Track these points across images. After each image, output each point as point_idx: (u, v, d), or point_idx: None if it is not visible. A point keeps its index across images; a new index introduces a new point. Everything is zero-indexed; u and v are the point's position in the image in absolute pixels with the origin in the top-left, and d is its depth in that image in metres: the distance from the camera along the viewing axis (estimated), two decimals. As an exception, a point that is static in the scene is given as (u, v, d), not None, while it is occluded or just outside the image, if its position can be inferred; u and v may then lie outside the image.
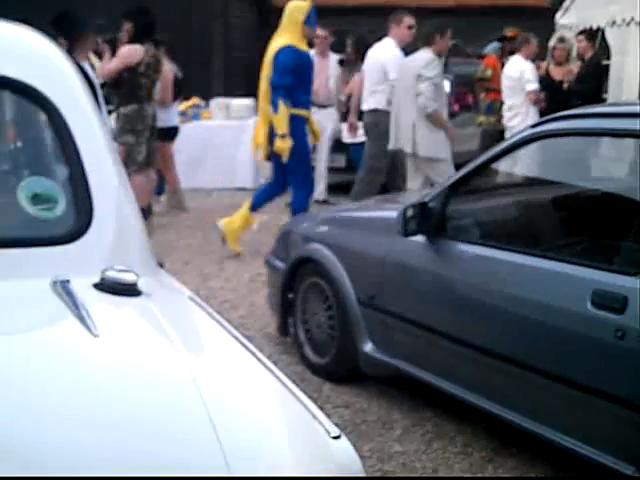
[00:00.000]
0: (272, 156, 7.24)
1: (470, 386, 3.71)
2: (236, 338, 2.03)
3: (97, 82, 6.89)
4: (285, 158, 6.90)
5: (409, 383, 4.22)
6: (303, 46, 7.12)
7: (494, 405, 3.57)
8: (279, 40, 7.01)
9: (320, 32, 9.99)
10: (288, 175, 7.26)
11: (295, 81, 6.89)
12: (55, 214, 2.17)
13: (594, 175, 4.31)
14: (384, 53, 8.27)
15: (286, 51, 6.89)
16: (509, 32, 10.16)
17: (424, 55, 7.36)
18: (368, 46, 9.57)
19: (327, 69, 10.01)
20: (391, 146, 7.75)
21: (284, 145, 6.90)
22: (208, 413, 1.58)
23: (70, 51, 6.61)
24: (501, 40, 10.29)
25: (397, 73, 7.74)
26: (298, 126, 7.07)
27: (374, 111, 8.33)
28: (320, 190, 10.22)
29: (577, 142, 3.84)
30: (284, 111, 6.84)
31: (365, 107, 8.51)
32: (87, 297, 1.94)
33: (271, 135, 7.03)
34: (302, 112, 7.07)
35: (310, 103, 7.40)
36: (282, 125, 6.87)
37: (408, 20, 8.25)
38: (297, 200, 7.27)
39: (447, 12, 21.49)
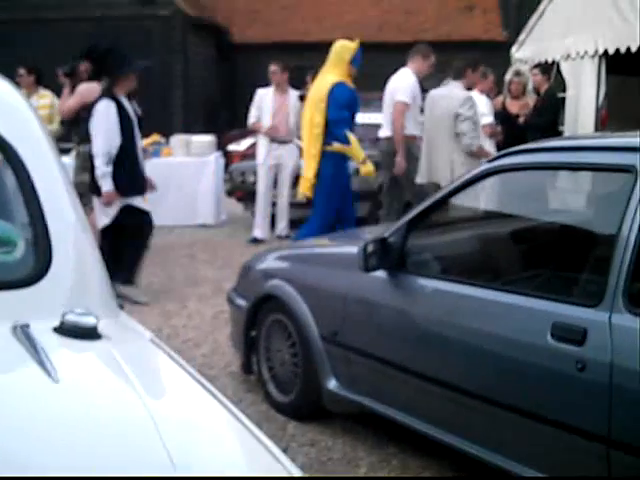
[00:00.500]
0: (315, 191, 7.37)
1: (434, 421, 3.72)
2: (197, 380, 2.02)
3: (135, 118, 6.98)
4: (373, 179, 7.22)
5: (374, 419, 4.21)
6: (350, 83, 7.33)
7: (459, 440, 3.57)
8: (329, 77, 7.23)
9: (271, 67, 10.08)
10: (314, 207, 7.43)
11: (348, 116, 7.18)
12: (14, 257, 2.15)
13: (551, 208, 4.37)
14: (398, 80, 8.42)
15: (340, 87, 7.14)
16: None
17: (458, 92, 7.54)
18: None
19: (286, 105, 10.07)
20: (422, 180, 7.81)
21: (369, 168, 7.24)
22: (169, 457, 1.57)
23: (111, 87, 6.71)
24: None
25: (427, 108, 7.90)
26: (339, 161, 7.25)
27: (391, 139, 8.41)
28: (282, 226, 10.25)
29: (533, 176, 3.89)
30: (354, 140, 7.12)
31: (382, 134, 8.60)
32: (47, 341, 1.93)
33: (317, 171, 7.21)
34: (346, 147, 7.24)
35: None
36: (358, 153, 7.18)
37: (433, 58, 8.53)
38: (306, 230, 7.37)
39: (405, 47, 21.80)
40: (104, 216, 6.80)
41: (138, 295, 6.96)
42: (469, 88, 7.76)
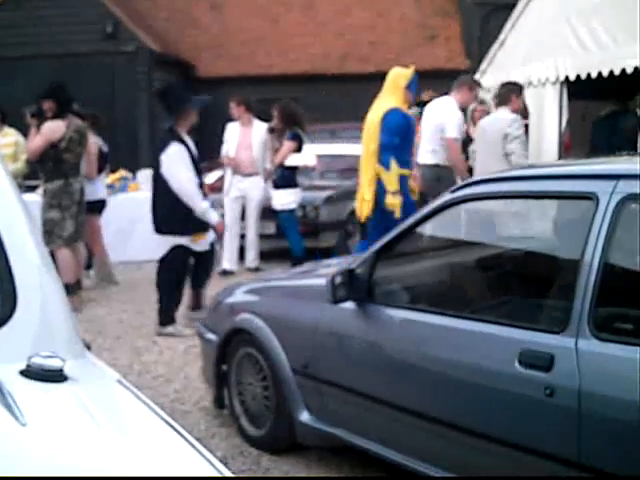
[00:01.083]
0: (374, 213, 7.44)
1: (407, 451, 3.72)
2: (165, 420, 2.02)
3: (196, 154, 7.02)
4: (397, 214, 7.12)
5: (349, 450, 4.20)
6: (406, 109, 7.49)
7: (432, 468, 3.57)
8: (384, 103, 7.39)
9: (230, 103, 10.13)
10: (373, 226, 7.45)
11: (401, 142, 7.26)
12: (-22, 302, 2.14)
13: (515, 236, 4.41)
14: (446, 112, 8.62)
15: (394, 113, 7.28)
16: (426, 95, 10.39)
17: (506, 115, 7.74)
18: (293, 114, 9.73)
19: (250, 138, 10.11)
20: None
21: (395, 201, 7.22)
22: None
23: (173, 126, 6.81)
24: (419, 104, 10.51)
25: (478, 137, 8.16)
26: (403, 185, 7.35)
27: (436, 166, 8.57)
28: (251, 257, 10.25)
29: (497, 205, 3.93)
30: (395, 169, 7.21)
31: (423, 161, 8.74)
32: (13, 385, 1.92)
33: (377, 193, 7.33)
34: (405, 172, 7.36)
35: (410, 163, 7.69)
36: (393, 182, 7.22)
37: (478, 90, 8.98)
38: (363, 246, 7.43)
39: (369, 78, 21.99)
40: (198, 245, 6.95)
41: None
42: (515, 112, 7.91)
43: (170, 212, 6.78)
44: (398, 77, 7.49)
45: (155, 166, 6.88)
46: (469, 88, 8.77)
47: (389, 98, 7.42)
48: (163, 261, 6.92)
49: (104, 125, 9.58)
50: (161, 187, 6.79)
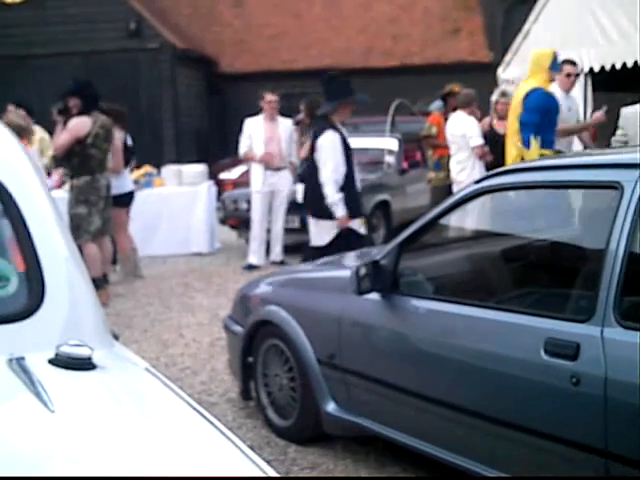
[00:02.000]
0: None
1: (433, 440, 3.73)
2: (193, 408, 2.04)
3: (350, 145, 7.11)
4: None
5: (375, 440, 4.22)
6: (549, 89, 7.53)
7: (459, 457, 3.58)
8: (528, 84, 7.48)
9: (269, 97, 10.13)
10: None
11: (543, 121, 7.29)
12: (7, 292, 2.17)
13: (541, 226, 4.39)
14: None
15: (536, 93, 7.32)
16: (450, 88, 10.36)
17: None
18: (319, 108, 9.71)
19: (278, 132, 10.12)
20: None
21: None
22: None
23: (330, 114, 6.89)
24: (443, 97, 10.48)
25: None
26: None
27: None
28: (277, 251, 10.27)
29: (522, 195, 3.92)
30: (535, 147, 7.23)
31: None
32: (42, 373, 1.95)
33: None
34: (547, 152, 7.31)
35: (554, 143, 7.64)
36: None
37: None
38: None
39: (393, 72, 21.96)
40: (325, 236, 6.94)
41: None
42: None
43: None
44: (541, 58, 7.55)
45: (311, 151, 7.02)
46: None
47: (533, 78, 7.49)
48: (329, 247, 6.90)
49: (125, 117, 9.61)
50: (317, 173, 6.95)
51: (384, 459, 4.26)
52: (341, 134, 6.89)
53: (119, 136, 9.03)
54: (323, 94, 7.12)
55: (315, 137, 6.92)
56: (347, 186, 6.89)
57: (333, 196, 6.77)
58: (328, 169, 6.80)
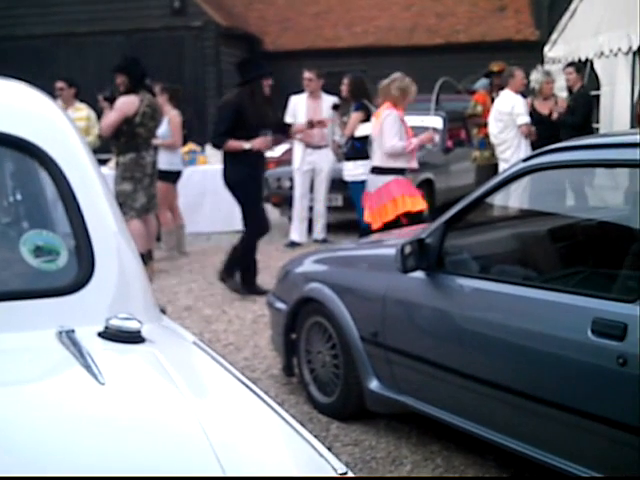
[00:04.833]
0: None
1: (477, 419, 3.72)
2: (241, 381, 2.05)
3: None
4: None
5: (417, 417, 4.22)
6: None
7: (501, 436, 3.57)
8: None
9: (307, 74, 10.09)
10: None
11: None
12: (57, 266, 2.19)
13: (588, 205, 4.35)
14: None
15: None
16: (495, 67, 10.24)
17: None
18: (363, 86, 9.65)
19: (320, 111, 10.08)
20: None
21: None
22: (217, 459, 1.60)
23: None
24: (488, 76, 10.37)
25: None
26: None
27: None
28: (319, 229, 10.28)
29: (570, 174, 3.88)
30: None
31: None
32: (92, 346, 1.97)
33: None
34: None
35: None
36: None
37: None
38: None
39: (437, 50, 21.77)
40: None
41: None
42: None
43: None
44: None
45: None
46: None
47: None
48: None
49: (180, 96, 9.72)
50: None
51: (426, 437, 4.26)
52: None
53: (175, 113, 9.15)
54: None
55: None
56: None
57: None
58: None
